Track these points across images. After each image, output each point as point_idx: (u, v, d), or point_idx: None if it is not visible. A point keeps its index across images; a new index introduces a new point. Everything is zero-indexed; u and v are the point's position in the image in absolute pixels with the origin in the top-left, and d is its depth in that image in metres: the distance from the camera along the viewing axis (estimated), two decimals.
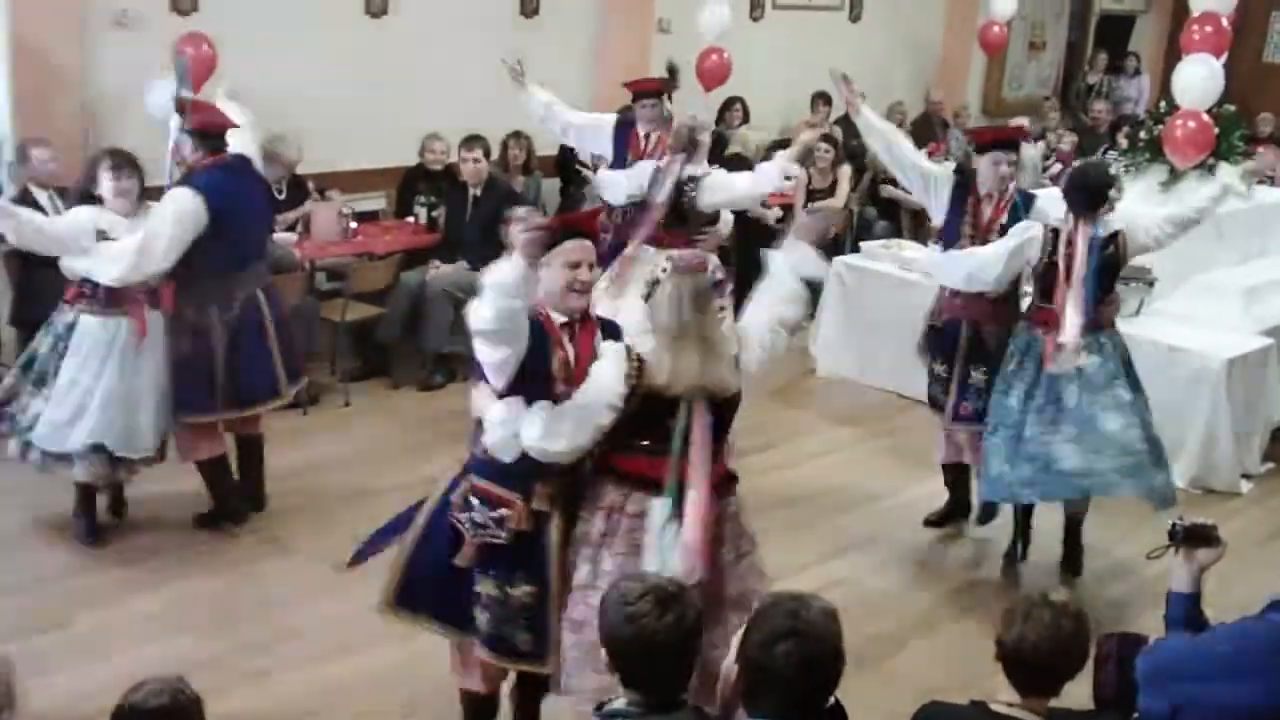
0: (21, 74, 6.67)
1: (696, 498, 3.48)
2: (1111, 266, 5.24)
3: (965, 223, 5.60)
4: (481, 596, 3.63)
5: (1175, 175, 7.70)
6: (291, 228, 7.36)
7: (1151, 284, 7.02)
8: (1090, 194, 5.13)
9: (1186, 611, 3.24)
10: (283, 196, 7.40)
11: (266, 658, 4.55)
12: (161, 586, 5.01)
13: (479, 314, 3.33)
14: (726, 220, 6.55)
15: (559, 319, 3.57)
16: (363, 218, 7.95)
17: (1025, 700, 2.78)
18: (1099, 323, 5.20)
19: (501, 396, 3.49)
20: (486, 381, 3.53)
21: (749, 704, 2.51)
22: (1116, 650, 3.24)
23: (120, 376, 5.10)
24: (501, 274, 3.29)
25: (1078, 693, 2.95)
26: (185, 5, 7.48)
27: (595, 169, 7.46)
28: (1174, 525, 3.26)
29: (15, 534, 5.38)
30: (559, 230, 3.57)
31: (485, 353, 3.44)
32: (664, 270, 3.74)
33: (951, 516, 6.02)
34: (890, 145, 5.86)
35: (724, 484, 3.74)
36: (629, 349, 3.58)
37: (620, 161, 6.60)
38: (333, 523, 5.56)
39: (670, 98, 6.91)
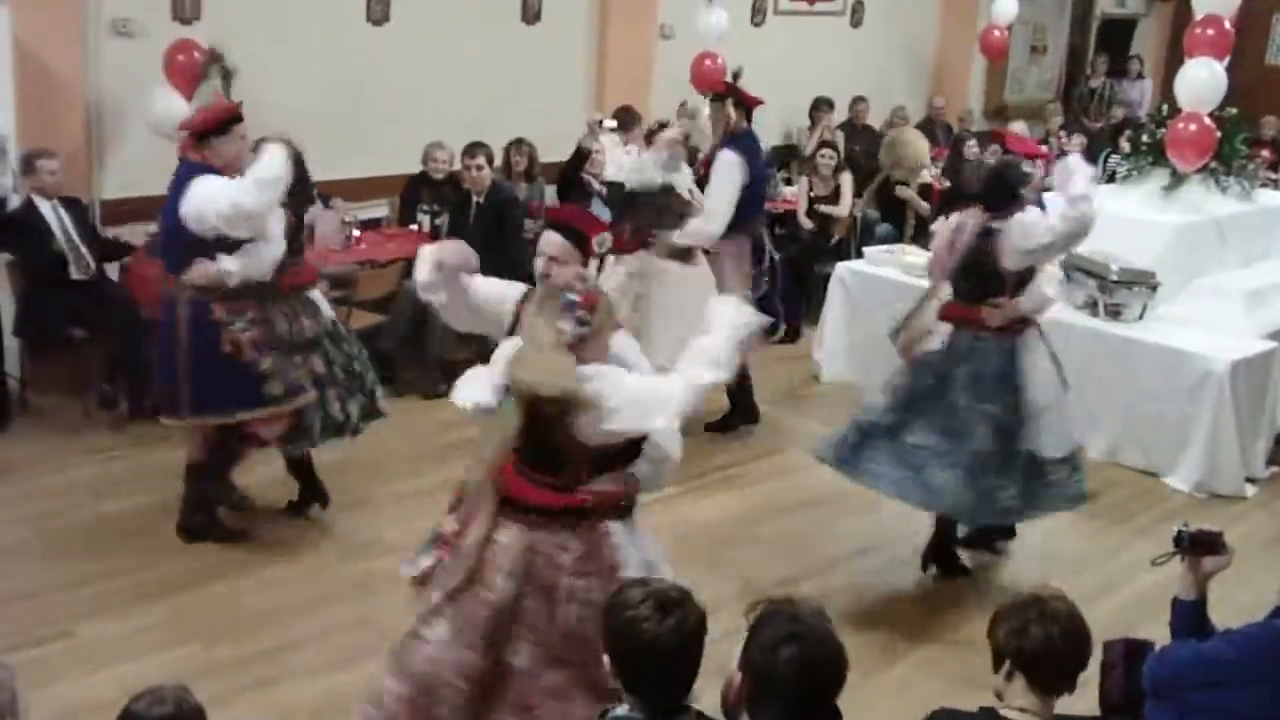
0: (24, 81, 6.67)
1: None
2: (976, 263, 5.12)
3: None
4: None
5: (1177, 179, 7.70)
6: None
7: (1155, 287, 7.02)
8: (1001, 191, 5.13)
9: (1192, 618, 3.23)
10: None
11: (271, 667, 4.54)
12: (165, 596, 5.01)
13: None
14: (692, 228, 6.53)
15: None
16: (366, 226, 7.95)
17: (1039, 704, 2.77)
18: (975, 321, 5.17)
19: None
20: None
21: (753, 709, 2.51)
22: (1123, 656, 3.24)
23: None
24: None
25: (1083, 699, 2.94)
26: (187, 13, 7.49)
27: (603, 190, 7.48)
28: (1179, 532, 3.25)
29: (18, 543, 5.37)
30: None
31: None
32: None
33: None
34: None
35: (570, 513, 3.51)
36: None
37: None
38: (336, 530, 5.57)
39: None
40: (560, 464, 3.49)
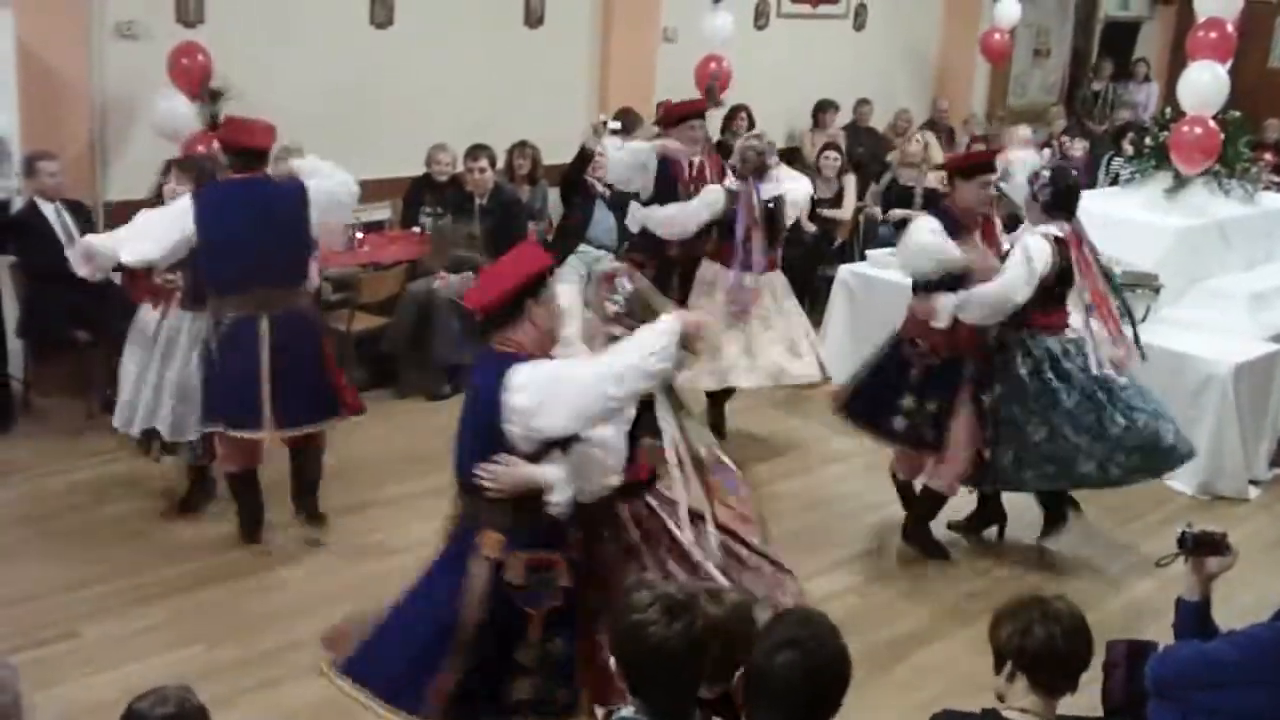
0: (28, 84, 6.68)
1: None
2: None
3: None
4: (522, 664, 3.48)
5: (1180, 182, 7.69)
6: None
7: (1158, 290, 7.01)
8: (1075, 195, 5.39)
9: (1195, 619, 3.23)
10: None
11: (273, 668, 4.54)
12: (168, 597, 5.02)
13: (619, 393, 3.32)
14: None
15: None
16: (369, 228, 7.96)
17: (1041, 704, 2.77)
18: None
19: (532, 459, 3.40)
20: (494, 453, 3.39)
21: (751, 712, 2.50)
22: (1125, 657, 3.23)
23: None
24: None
25: (1086, 700, 2.94)
26: (191, 17, 7.50)
27: (605, 192, 7.47)
28: (1183, 533, 3.24)
29: (23, 545, 5.38)
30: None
31: (580, 424, 3.38)
32: (624, 290, 3.62)
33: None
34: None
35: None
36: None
37: (667, 193, 6.72)
38: (339, 533, 5.57)
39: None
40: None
